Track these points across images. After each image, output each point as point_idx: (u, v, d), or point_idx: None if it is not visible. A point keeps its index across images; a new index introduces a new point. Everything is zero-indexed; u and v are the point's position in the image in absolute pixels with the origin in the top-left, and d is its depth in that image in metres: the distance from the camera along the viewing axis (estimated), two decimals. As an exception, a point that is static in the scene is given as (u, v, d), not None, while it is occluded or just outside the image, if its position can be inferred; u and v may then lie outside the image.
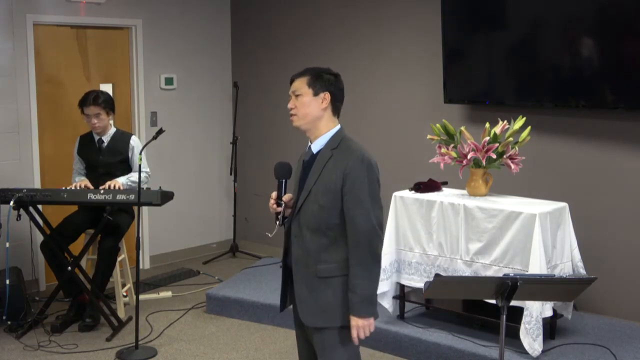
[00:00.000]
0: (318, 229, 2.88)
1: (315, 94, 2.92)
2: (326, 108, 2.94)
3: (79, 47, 6.17)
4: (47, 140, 5.97)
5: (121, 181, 5.02)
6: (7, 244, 4.70)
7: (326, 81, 2.93)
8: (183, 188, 6.42)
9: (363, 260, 2.82)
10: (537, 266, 4.08)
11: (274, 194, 2.98)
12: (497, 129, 4.51)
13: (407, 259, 4.66)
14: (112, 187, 4.93)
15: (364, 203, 2.82)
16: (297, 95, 2.94)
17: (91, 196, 4.86)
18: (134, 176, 5.01)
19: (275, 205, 2.98)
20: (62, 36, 6.07)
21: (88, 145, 5.25)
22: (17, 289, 5.05)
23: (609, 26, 4.75)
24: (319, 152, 2.96)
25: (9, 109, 5.70)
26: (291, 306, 3.11)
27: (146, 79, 6.52)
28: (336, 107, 2.98)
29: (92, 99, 5.05)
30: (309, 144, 3.02)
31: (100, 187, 4.94)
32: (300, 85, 2.93)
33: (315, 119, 2.94)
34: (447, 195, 4.63)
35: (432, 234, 4.55)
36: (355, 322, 2.83)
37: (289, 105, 2.97)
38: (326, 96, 2.93)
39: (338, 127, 2.98)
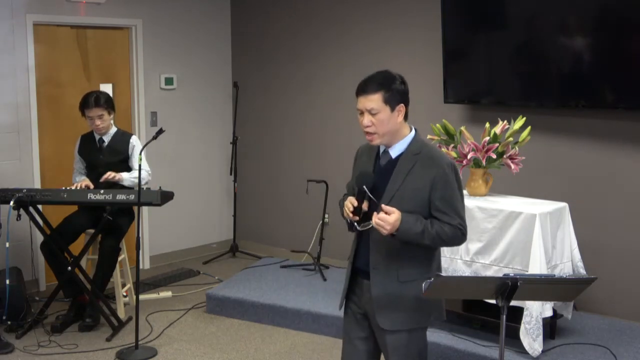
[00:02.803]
0: None
1: (392, 109, 2.86)
2: (402, 119, 2.91)
3: (79, 47, 6.17)
4: (47, 140, 5.97)
5: (125, 176, 5.02)
6: (7, 244, 4.69)
7: (399, 92, 2.87)
8: (183, 188, 6.42)
9: (442, 243, 2.91)
10: (537, 266, 4.08)
11: (354, 201, 2.85)
12: (497, 129, 4.51)
13: (407, 259, 4.66)
14: (113, 177, 4.93)
15: (456, 208, 2.88)
16: (373, 114, 2.85)
17: (91, 196, 4.86)
18: (135, 173, 5.03)
19: (351, 213, 2.86)
20: (62, 36, 6.07)
21: (89, 144, 5.25)
22: (17, 289, 5.05)
23: (609, 26, 4.75)
24: (399, 157, 2.92)
25: (9, 109, 5.70)
26: (341, 308, 3.14)
27: (146, 79, 6.52)
28: (407, 113, 2.94)
29: (94, 100, 5.04)
30: (383, 147, 2.97)
31: (103, 177, 4.95)
32: (376, 102, 2.84)
33: (394, 132, 2.90)
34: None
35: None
36: (398, 215, 2.77)
37: (365, 123, 2.87)
38: (401, 108, 2.89)
39: (414, 132, 2.96)
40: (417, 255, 2.92)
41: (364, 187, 2.86)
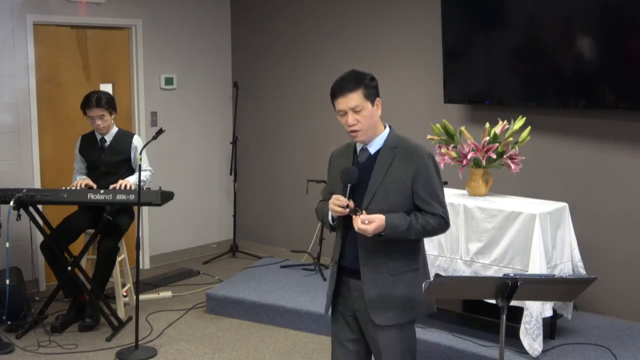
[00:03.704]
0: None
1: (372, 104, 2.93)
2: (380, 114, 2.98)
3: (79, 47, 6.18)
4: (47, 140, 5.97)
5: (132, 181, 5.02)
6: (7, 244, 4.69)
7: (374, 87, 2.94)
8: (183, 188, 6.42)
9: (428, 234, 2.98)
10: (537, 266, 4.08)
11: (342, 198, 2.88)
12: (497, 129, 4.51)
13: (407, 259, 4.65)
14: (123, 186, 4.93)
15: (439, 196, 2.96)
16: (357, 111, 2.90)
17: (91, 196, 4.86)
18: (142, 175, 5.02)
19: (341, 209, 2.87)
20: (62, 36, 6.07)
21: (90, 144, 5.25)
22: (17, 289, 5.05)
23: (609, 26, 4.75)
24: (377, 152, 2.97)
25: (9, 109, 5.70)
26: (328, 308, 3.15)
27: (146, 79, 6.52)
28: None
29: (95, 100, 5.05)
30: (360, 146, 3.01)
31: (111, 186, 4.94)
32: (359, 99, 2.89)
33: (375, 127, 2.97)
34: (447, 195, 4.58)
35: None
36: (380, 221, 2.81)
37: (350, 122, 2.90)
38: (379, 102, 2.96)
39: (388, 127, 3.03)
40: (404, 247, 2.97)
41: (348, 184, 2.91)
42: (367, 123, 2.92)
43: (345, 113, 2.92)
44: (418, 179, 2.91)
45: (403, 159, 2.93)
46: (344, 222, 2.97)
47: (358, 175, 2.93)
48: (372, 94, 2.92)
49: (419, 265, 3.02)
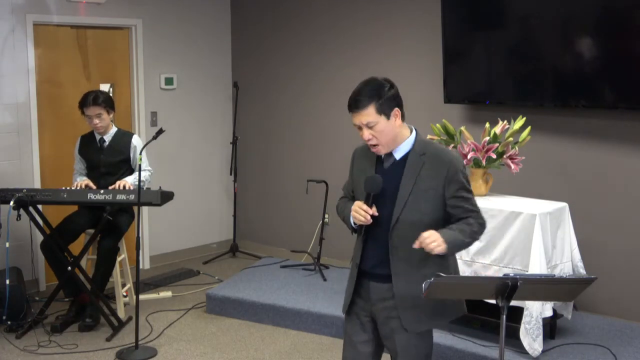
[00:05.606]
0: None
1: (388, 117, 2.83)
2: (400, 122, 2.89)
3: (79, 47, 6.18)
4: (47, 140, 5.97)
5: (130, 181, 5.02)
6: (7, 244, 4.70)
7: (390, 99, 2.83)
8: (183, 188, 6.42)
9: (476, 236, 2.93)
10: (537, 266, 4.08)
11: (365, 207, 2.83)
12: (497, 129, 4.51)
13: (407, 259, 4.65)
14: (122, 187, 4.93)
15: (472, 200, 2.91)
16: (371, 127, 2.82)
17: (91, 196, 4.86)
18: (141, 175, 5.02)
19: (364, 218, 2.83)
20: (62, 36, 6.07)
21: (89, 144, 5.25)
22: (17, 289, 5.05)
23: (609, 26, 4.75)
24: (404, 159, 2.90)
25: (9, 109, 5.70)
26: (344, 308, 3.11)
27: (146, 79, 6.52)
28: (403, 114, 2.91)
29: (92, 99, 5.05)
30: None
31: (110, 187, 4.94)
32: (371, 115, 2.80)
33: (395, 137, 2.88)
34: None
35: (432, 234, 4.55)
36: (441, 240, 2.77)
37: (366, 137, 2.84)
38: (397, 113, 2.86)
39: (414, 132, 2.94)
40: (438, 255, 2.92)
41: (371, 193, 2.84)
42: (384, 137, 2.84)
43: (360, 127, 2.86)
44: (450, 186, 2.85)
45: (432, 166, 2.86)
46: (365, 227, 2.91)
47: (382, 183, 2.85)
48: (387, 107, 2.82)
49: (450, 271, 2.99)
